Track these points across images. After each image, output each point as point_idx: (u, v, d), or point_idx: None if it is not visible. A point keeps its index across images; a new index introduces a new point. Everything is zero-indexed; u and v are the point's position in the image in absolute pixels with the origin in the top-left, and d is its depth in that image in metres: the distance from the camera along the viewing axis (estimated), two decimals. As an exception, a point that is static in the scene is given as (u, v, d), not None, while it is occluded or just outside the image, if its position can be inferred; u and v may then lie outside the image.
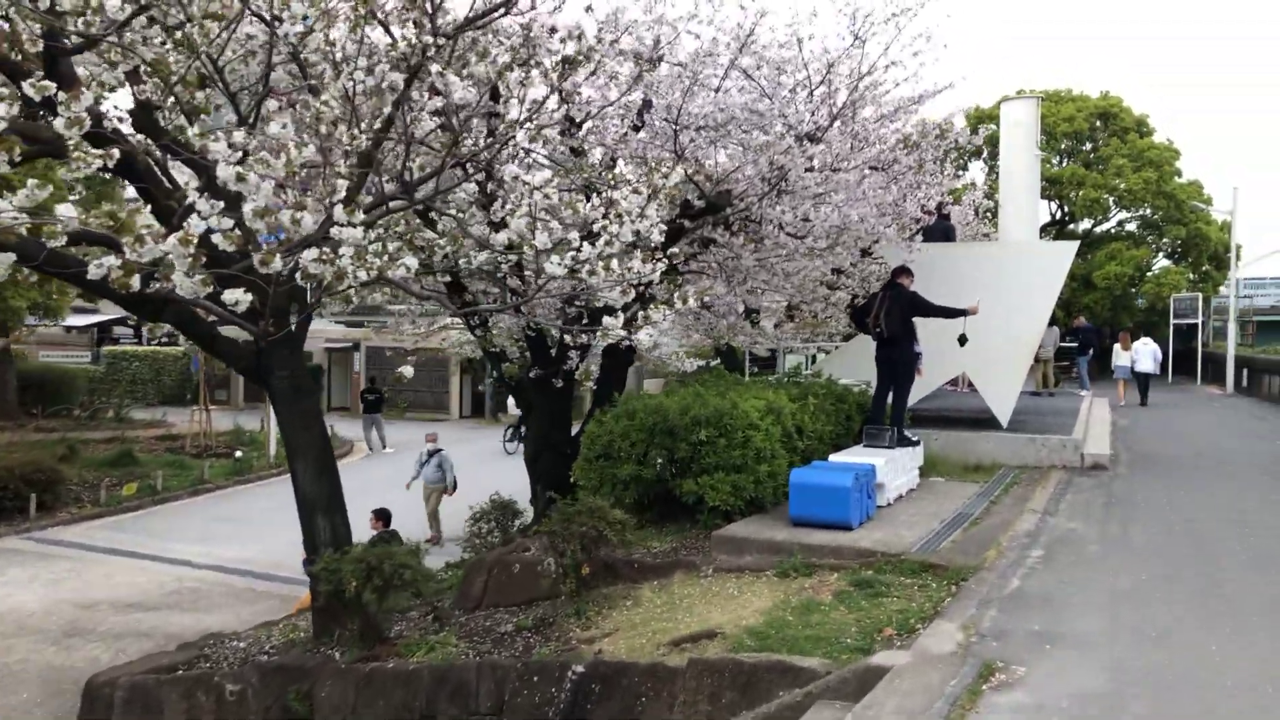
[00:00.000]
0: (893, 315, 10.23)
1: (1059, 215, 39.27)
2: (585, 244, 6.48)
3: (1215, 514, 9.23)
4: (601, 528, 7.55)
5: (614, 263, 6.49)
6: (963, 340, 10.68)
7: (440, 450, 15.69)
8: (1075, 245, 13.62)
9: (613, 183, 7.88)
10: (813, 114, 9.80)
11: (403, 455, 22.01)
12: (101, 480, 19.13)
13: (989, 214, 27.97)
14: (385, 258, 5.58)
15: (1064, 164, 37.28)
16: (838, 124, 10.37)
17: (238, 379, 34.11)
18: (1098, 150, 37.06)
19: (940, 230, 13.83)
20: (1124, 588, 6.73)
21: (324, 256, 5.40)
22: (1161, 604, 6.34)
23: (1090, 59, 78.15)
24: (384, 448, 24.09)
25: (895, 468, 9.79)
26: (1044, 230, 39.23)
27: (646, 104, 9.34)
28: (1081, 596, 6.50)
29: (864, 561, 7.55)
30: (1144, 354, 22.25)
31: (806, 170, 9.42)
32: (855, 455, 9.64)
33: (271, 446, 22.50)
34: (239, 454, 21.91)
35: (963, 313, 10.54)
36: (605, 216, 6.61)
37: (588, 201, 7.09)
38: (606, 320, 10.20)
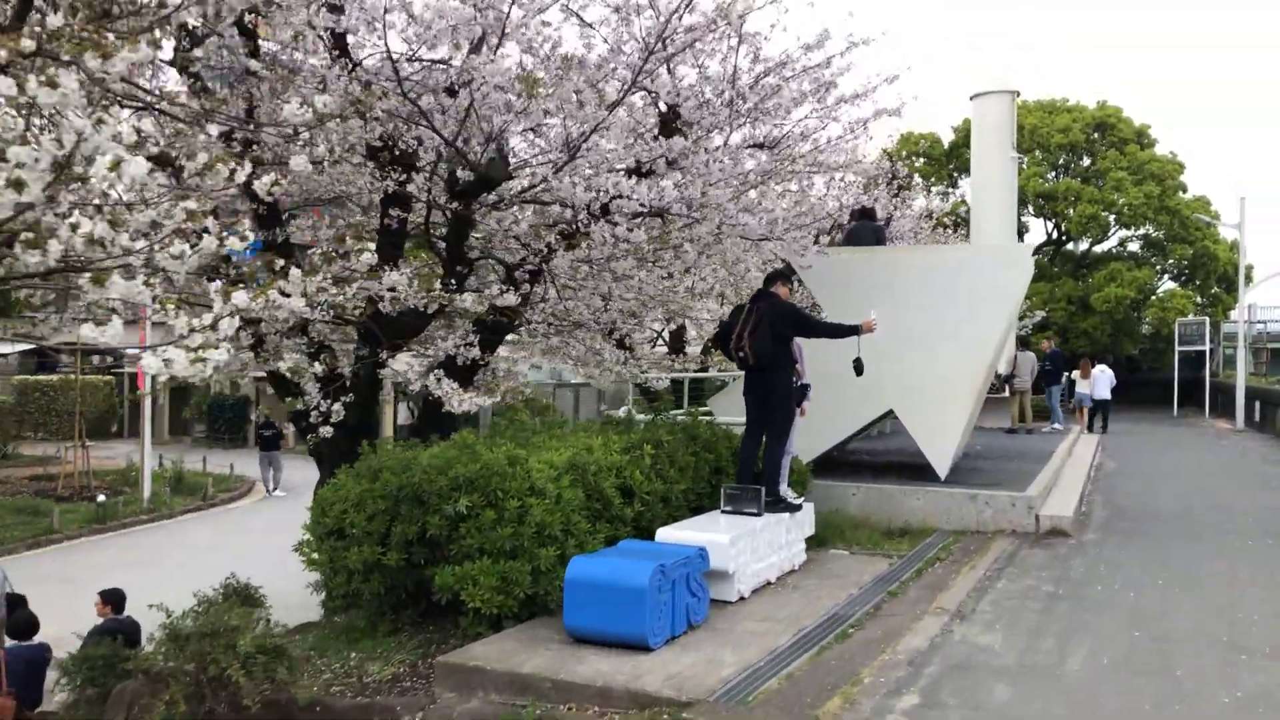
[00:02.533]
0: (761, 335, 7.56)
1: (1054, 234, 36.54)
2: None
3: (1201, 622, 6.48)
4: (227, 663, 4.86)
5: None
6: (859, 368, 8.00)
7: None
8: (1032, 246, 10.89)
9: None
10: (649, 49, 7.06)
11: (298, 498, 19.38)
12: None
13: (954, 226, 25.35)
14: None
15: (1058, 179, 34.57)
16: (692, 72, 7.72)
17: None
18: (1095, 163, 34.37)
19: (869, 232, 11.15)
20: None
21: None
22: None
23: (1086, 68, 75.64)
24: (274, 490, 21.44)
25: (757, 545, 7.08)
26: (1038, 251, 36.55)
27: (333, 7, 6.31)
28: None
29: (637, 714, 4.84)
30: (1101, 380, 19.79)
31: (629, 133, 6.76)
32: (696, 529, 6.93)
33: (145, 488, 19.91)
34: (101, 498, 19.27)
35: (854, 331, 7.87)
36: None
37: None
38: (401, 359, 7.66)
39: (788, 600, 6.88)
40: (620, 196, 6.84)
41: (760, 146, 9.02)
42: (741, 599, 6.81)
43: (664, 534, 6.85)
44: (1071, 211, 33.46)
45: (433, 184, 7.44)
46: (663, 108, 8.40)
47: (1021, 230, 36.90)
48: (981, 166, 19.57)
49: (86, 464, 21.46)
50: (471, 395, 7.11)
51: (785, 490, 8.12)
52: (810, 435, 10.27)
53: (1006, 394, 18.10)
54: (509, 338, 10.02)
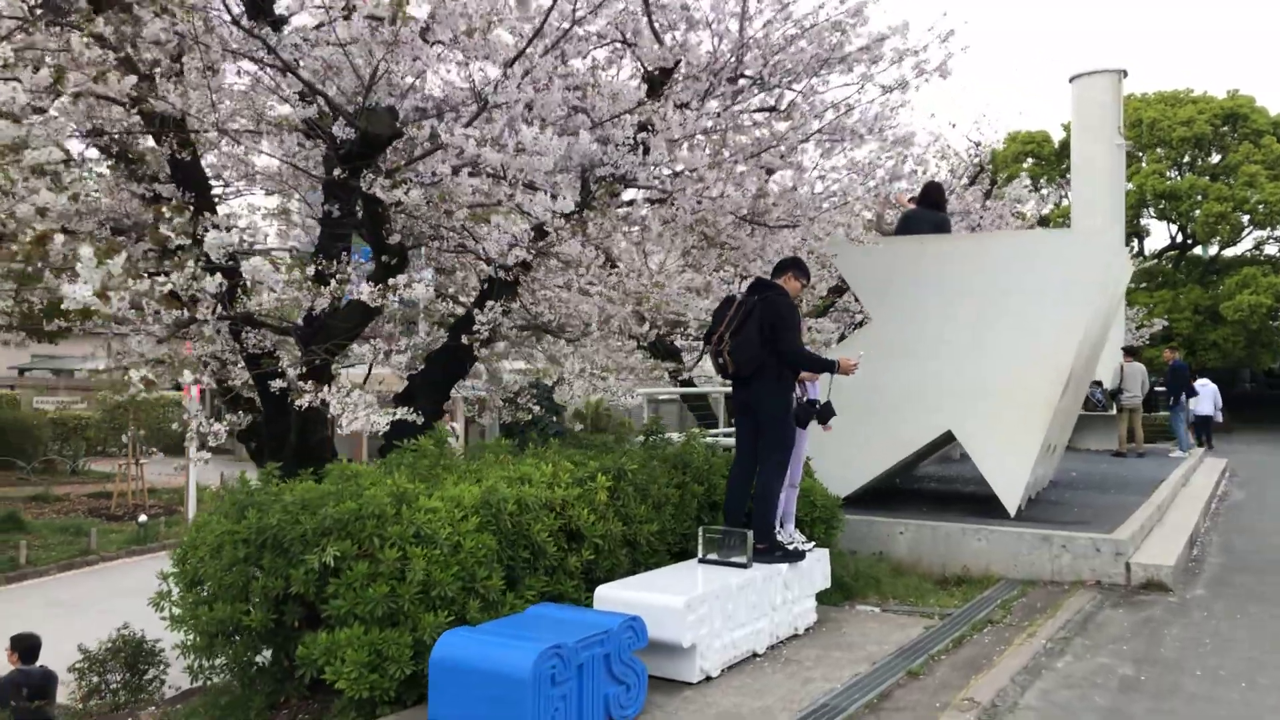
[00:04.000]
0: (746, 335, 5.96)
1: (1178, 237, 33.50)
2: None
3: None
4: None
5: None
6: (825, 415, 6.33)
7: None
8: (1120, 231, 8.97)
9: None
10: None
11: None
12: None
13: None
14: None
15: (1181, 176, 31.61)
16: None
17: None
18: (1225, 158, 31.31)
19: (928, 222, 9.37)
20: None
21: None
22: None
23: (1214, 58, 70.36)
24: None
25: (735, 607, 5.49)
26: (1160, 256, 33.61)
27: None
28: None
29: None
30: (1203, 395, 17.68)
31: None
32: (646, 587, 5.38)
33: (191, 508, 19.26)
34: (143, 519, 18.66)
35: (828, 367, 6.21)
36: None
37: None
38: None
39: (769, 682, 5.26)
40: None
41: (773, 110, 7.43)
42: (707, 679, 5.23)
43: (604, 594, 5.32)
44: (1197, 212, 30.47)
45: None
46: (649, 66, 6.94)
47: (1141, 233, 34.05)
48: (1083, 156, 17.38)
49: (141, 482, 21.07)
50: (369, 412, 5.71)
51: (791, 533, 6.50)
52: (846, 464, 8.63)
53: (1113, 412, 15.88)
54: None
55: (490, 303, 6.81)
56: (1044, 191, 31.67)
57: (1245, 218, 30.88)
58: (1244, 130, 30.95)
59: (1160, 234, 35.91)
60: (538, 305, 8.14)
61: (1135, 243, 34.50)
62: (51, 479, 24.15)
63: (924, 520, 8.43)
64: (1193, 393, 16.49)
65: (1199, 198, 30.31)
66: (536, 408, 10.27)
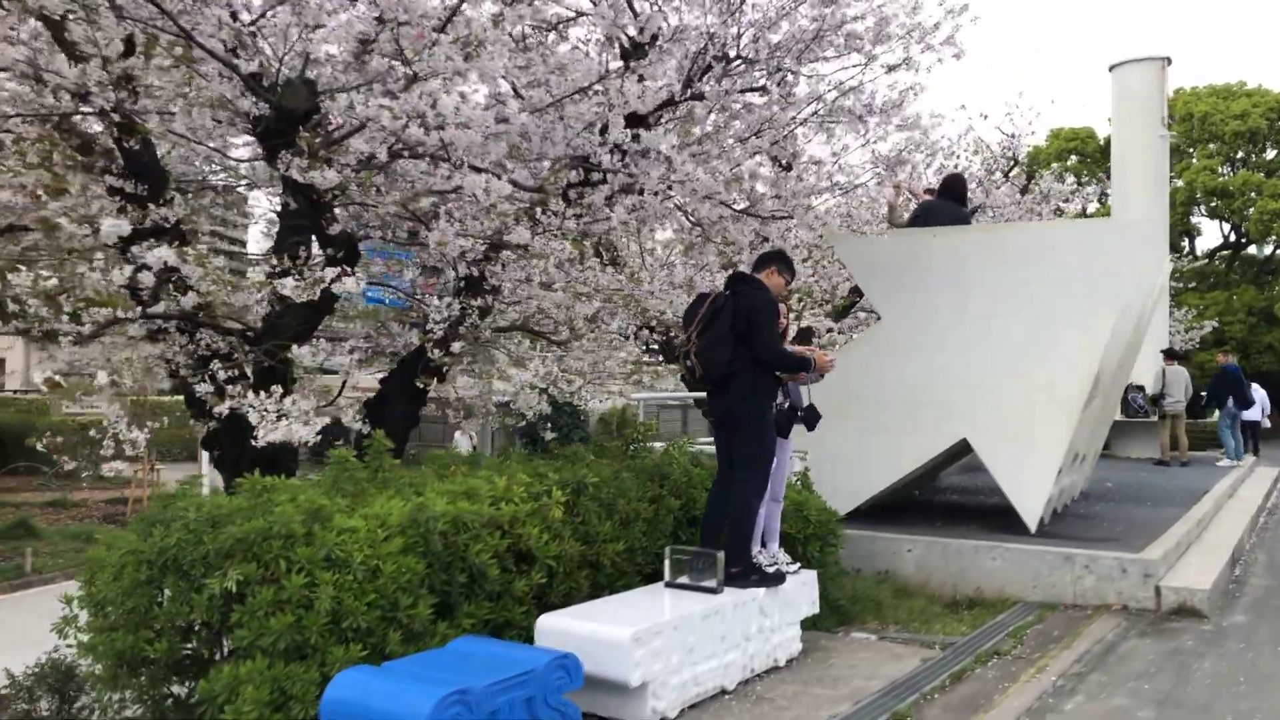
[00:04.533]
0: (716, 338, 5.36)
1: (1231, 236, 32.21)
2: None
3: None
4: None
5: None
6: (811, 419, 5.75)
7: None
8: (1153, 222, 8.22)
9: None
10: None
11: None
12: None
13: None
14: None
15: (1234, 172, 30.37)
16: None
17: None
18: (1280, 154, 30.08)
19: (947, 214, 8.67)
20: None
21: None
22: None
23: (1270, 49, 68.02)
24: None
25: (698, 639, 4.89)
26: (1212, 256, 32.37)
27: None
28: None
29: None
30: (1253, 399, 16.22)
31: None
32: (592, 617, 4.80)
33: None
34: (153, 525, 18.41)
35: (803, 366, 5.59)
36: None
37: None
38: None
39: (729, 725, 4.66)
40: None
41: (761, 90, 6.83)
42: (662, 721, 4.64)
43: (545, 625, 4.76)
44: (1251, 210, 29.24)
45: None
46: (624, 40, 6.37)
47: (1192, 231, 32.83)
48: (1124, 148, 16.49)
49: (156, 488, 20.89)
50: (294, 422, 5.19)
51: (774, 553, 5.88)
52: (853, 476, 8.02)
53: (1155, 419, 15.00)
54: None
55: (446, 299, 6.28)
56: (1087, 190, 30.61)
57: (1303, 216, 29.58)
58: (1301, 124, 29.69)
59: (1212, 233, 34.60)
60: (519, 303, 7.59)
61: (1186, 242, 33.30)
62: (72, 484, 24.11)
63: (934, 536, 7.76)
64: (1246, 401, 15.49)
65: (1253, 195, 29.08)
66: (531, 411, 9.77)
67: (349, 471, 5.17)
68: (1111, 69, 16.68)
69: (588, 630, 4.56)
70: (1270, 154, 30.92)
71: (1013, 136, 15.99)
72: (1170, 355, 14.88)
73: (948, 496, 10.65)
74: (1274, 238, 30.36)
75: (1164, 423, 14.65)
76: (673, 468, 6.40)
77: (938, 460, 8.64)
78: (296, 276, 5.12)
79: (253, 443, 6.45)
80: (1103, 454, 16.39)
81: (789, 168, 8.06)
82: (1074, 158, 32.78)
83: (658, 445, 7.12)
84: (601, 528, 5.59)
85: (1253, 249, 32.63)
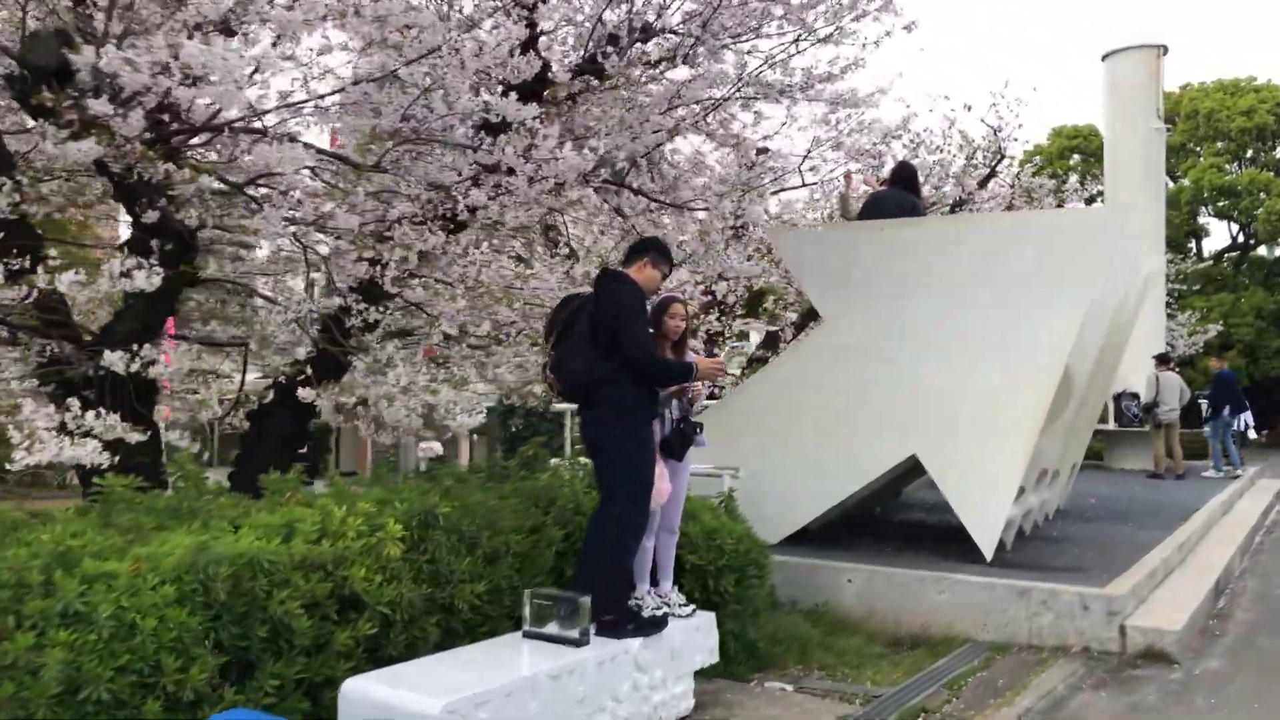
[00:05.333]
0: (575, 346, 4.55)
1: (1239, 237, 31.21)
2: None
3: None
4: None
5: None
6: (689, 435, 4.96)
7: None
8: (1126, 210, 7.37)
9: None
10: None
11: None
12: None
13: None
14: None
15: (1241, 169, 29.38)
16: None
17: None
18: (1291, 151, 29.08)
19: (893, 204, 7.85)
20: None
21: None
22: None
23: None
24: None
25: (547, 703, 4.08)
26: (1219, 257, 31.38)
27: None
28: None
29: None
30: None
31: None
32: (405, 684, 4.00)
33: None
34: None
35: (685, 374, 4.76)
36: None
37: None
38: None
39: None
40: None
41: (670, 59, 6.03)
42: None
43: (352, 689, 3.95)
44: (1259, 210, 28.23)
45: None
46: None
47: (1199, 232, 31.87)
48: (1117, 141, 15.63)
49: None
50: (61, 440, 4.40)
51: (665, 594, 5.07)
52: (792, 497, 7.26)
53: (1148, 429, 14.10)
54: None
55: (299, 297, 5.50)
56: (1091, 189, 29.68)
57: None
58: (1311, 120, 28.68)
59: (1221, 235, 33.63)
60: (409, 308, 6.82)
61: (1194, 243, 32.31)
62: (41, 492, 23.41)
63: (877, 565, 6.93)
64: (1241, 406, 14.60)
65: (1261, 195, 28.07)
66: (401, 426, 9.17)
67: (134, 501, 4.38)
68: (1104, 58, 15.82)
69: (395, 700, 3.77)
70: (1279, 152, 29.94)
71: (998, 130, 15.12)
72: (1163, 360, 13.98)
73: (913, 514, 9.81)
74: (1283, 239, 29.37)
75: (1158, 432, 13.75)
76: (562, 491, 5.60)
77: (886, 480, 7.81)
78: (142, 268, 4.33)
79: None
80: (1096, 465, 15.55)
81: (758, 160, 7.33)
82: (1076, 156, 31.84)
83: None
84: (458, 565, 4.78)
85: (1262, 250, 31.61)
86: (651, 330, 4.97)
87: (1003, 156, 15.33)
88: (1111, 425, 15.32)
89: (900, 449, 7.21)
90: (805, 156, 14.54)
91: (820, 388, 7.42)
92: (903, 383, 7.16)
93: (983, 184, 15.46)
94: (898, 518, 9.43)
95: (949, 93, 25.31)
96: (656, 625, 4.69)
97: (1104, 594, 6.13)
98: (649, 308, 4.93)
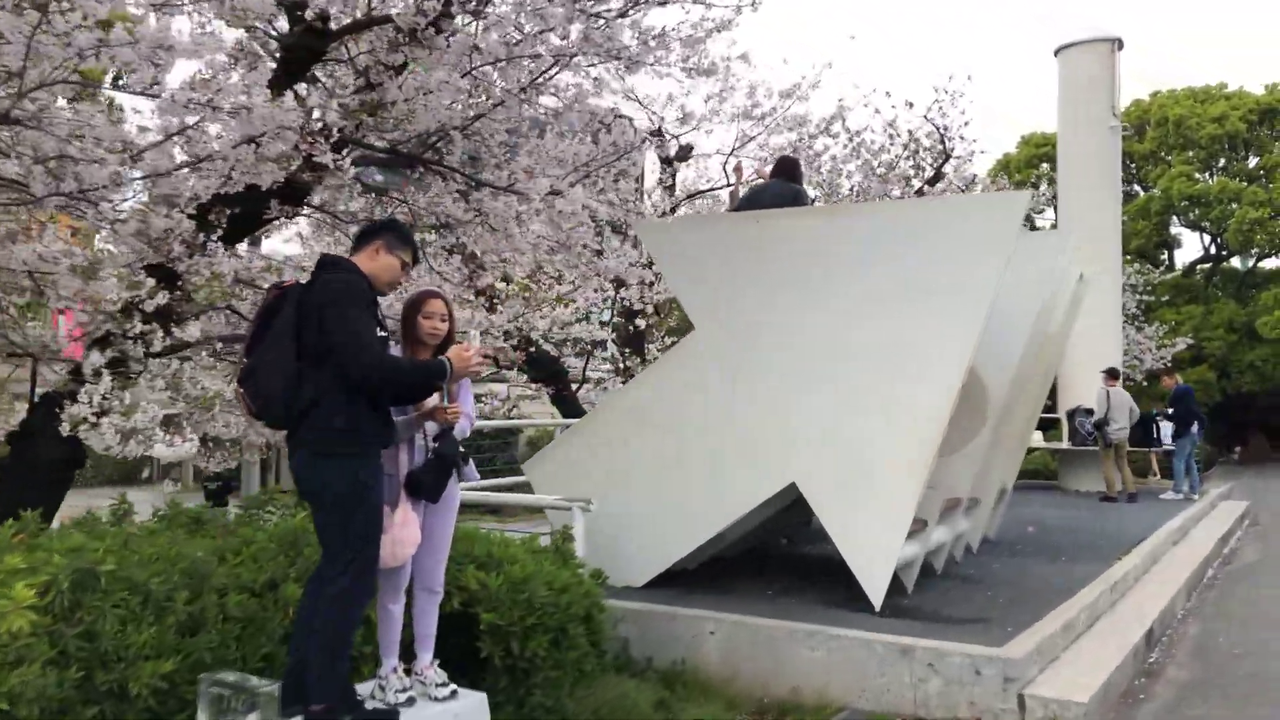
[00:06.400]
0: (273, 355, 3.48)
1: (1211, 249, 30.40)
2: None
3: None
4: None
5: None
6: (450, 464, 3.88)
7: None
8: (1026, 196, 6.36)
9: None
10: None
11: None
12: None
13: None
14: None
15: (1212, 178, 28.58)
16: None
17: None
18: (1263, 160, 28.28)
19: (772, 198, 6.81)
20: None
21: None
22: None
23: (1253, 56, 66.45)
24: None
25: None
26: (1191, 270, 30.59)
27: None
28: None
29: None
30: (1165, 425, 14.43)
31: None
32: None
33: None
34: None
35: (429, 376, 3.66)
36: None
37: None
38: None
39: None
40: None
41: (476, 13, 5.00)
42: None
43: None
44: (1230, 220, 27.39)
45: None
46: None
47: (1171, 243, 31.09)
48: (1070, 140, 14.67)
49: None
50: None
51: (422, 671, 3.98)
52: (655, 533, 6.29)
53: (1099, 448, 13.09)
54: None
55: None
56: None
57: (1287, 226, 27.76)
58: (1283, 127, 27.93)
59: (1193, 245, 32.82)
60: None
61: (1166, 254, 31.50)
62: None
63: (744, 614, 5.86)
64: (1203, 422, 13.66)
65: (1232, 204, 27.25)
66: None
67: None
68: (1057, 52, 14.89)
69: None
70: (1252, 162, 29.11)
71: (943, 129, 14.18)
72: (1113, 375, 13.00)
73: (827, 546, 8.74)
74: (1256, 249, 28.52)
75: (1108, 452, 12.75)
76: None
77: (771, 511, 6.76)
78: None
79: None
80: (1049, 487, 14.53)
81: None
82: (1046, 165, 30.99)
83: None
84: (134, 639, 3.69)
85: (1235, 262, 30.81)
86: (401, 338, 3.93)
87: (948, 156, 14.40)
88: (1065, 444, 14.33)
89: (777, 478, 6.16)
90: (730, 153, 13.44)
91: (687, 407, 6.39)
92: (780, 400, 6.13)
93: (931, 184, 14.54)
94: (805, 549, 8.38)
95: (916, 96, 24.37)
96: (385, 716, 3.61)
97: (999, 656, 5.08)
98: (382, 305, 3.89)
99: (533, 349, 11.45)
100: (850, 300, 6.00)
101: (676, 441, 6.41)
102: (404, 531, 3.75)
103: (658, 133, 12.16)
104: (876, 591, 5.87)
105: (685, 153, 12.81)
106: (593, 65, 5.82)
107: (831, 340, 6.03)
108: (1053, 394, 16.59)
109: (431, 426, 3.87)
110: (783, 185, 6.89)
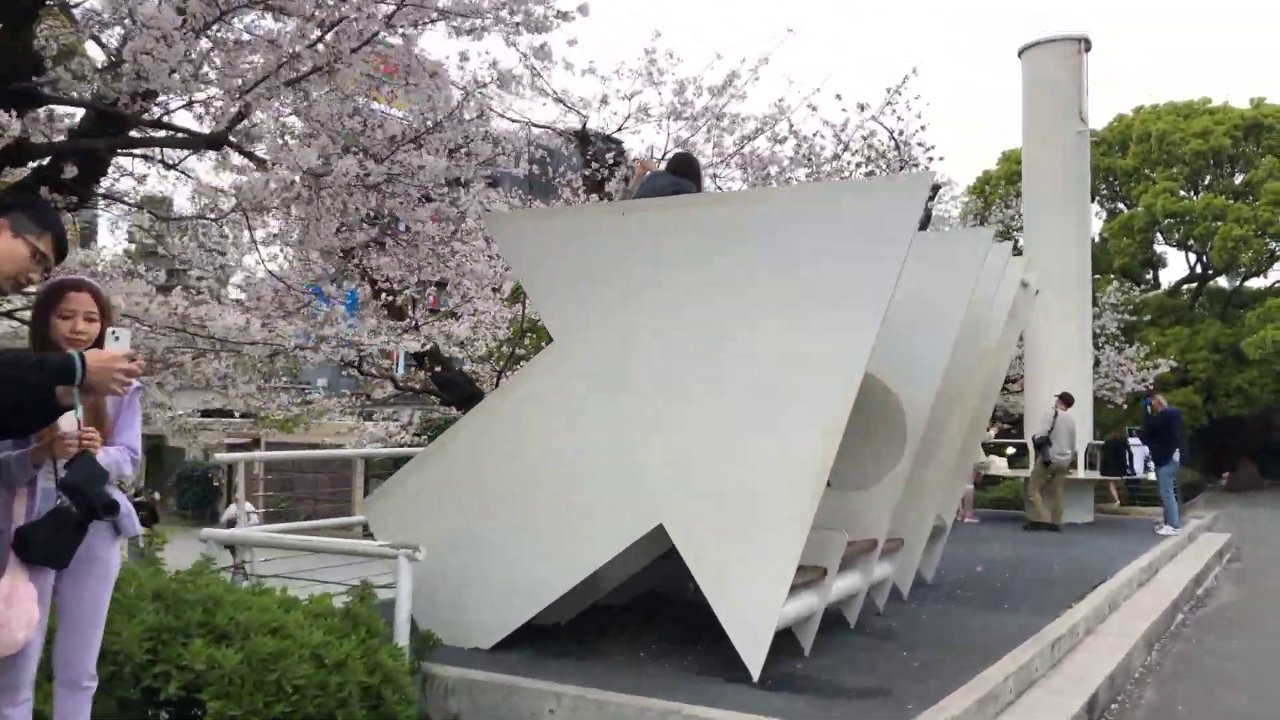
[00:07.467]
0: None
1: (1196, 267, 29.54)
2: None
3: None
4: None
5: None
6: (91, 514, 2.83)
7: None
8: (930, 176, 5.36)
9: None
10: None
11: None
12: None
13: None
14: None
15: (1196, 195, 27.75)
16: None
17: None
18: (1249, 176, 27.47)
19: (653, 185, 5.85)
20: None
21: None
22: None
23: (1235, 71, 66.10)
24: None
25: None
26: (1177, 290, 29.74)
27: None
28: None
29: None
30: (1138, 456, 13.82)
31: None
32: None
33: None
34: None
35: (59, 374, 2.58)
36: None
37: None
38: None
39: None
40: None
41: None
42: None
43: None
44: (1214, 237, 26.54)
45: None
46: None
47: (1156, 262, 30.25)
48: (1035, 144, 13.76)
49: None
50: None
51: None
52: (497, 587, 5.24)
53: (1079, 473, 12.13)
54: None
55: None
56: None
57: (1273, 244, 26.92)
58: (1269, 143, 27.12)
59: (1178, 264, 31.97)
60: None
61: (1150, 273, 30.65)
62: None
63: (590, 689, 4.81)
64: (1184, 450, 12.81)
65: (1216, 221, 26.39)
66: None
67: None
68: (1021, 53, 13.99)
69: None
70: (1238, 179, 28.27)
71: (900, 133, 13.25)
72: (1066, 401, 12.13)
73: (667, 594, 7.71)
74: (1242, 268, 27.65)
75: (1044, 470, 11.98)
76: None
77: (646, 557, 5.73)
78: None
79: None
80: (1016, 517, 13.52)
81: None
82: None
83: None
84: None
85: (1222, 281, 29.94)
86: (30, 347, 2.94)
87: (904, 163, 13.46)
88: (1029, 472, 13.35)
89: (643, 519, 5.13)
90: (664, 157, 12.54)
91: (543, 434, 5.37)
92: (646, 425, 5.12)
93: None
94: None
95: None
96: None
97: (898, 740, 4.06)
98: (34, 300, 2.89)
99: (438, 368, 10.43)
100: (728, 305, 5.02)
101: (530, 475, 5.40)
102: (10, 610, 2.73)
103: (583, 135, 11.24)
104: (754, 658, 4.84)
105: (614, 152, 11.86)
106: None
107: (705, 353, 5.03)
108: (1019, 423, 15.65)
109: (50, 469, 2.85)
110: (661, 176, 5.91)
